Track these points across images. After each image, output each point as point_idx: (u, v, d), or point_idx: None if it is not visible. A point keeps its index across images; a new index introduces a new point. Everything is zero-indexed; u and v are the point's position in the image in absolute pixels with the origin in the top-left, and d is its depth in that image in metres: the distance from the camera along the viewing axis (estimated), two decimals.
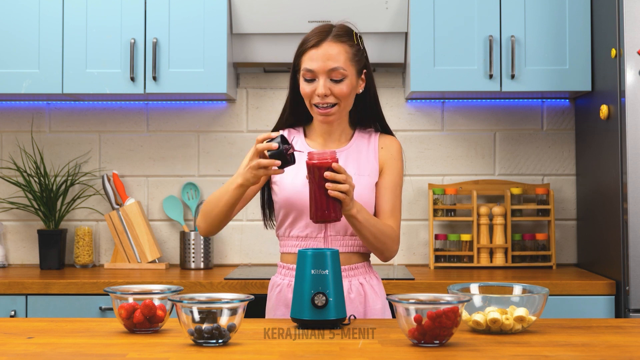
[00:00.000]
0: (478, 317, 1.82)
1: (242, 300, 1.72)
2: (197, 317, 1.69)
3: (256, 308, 2.26)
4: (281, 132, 2.09)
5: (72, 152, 3.60)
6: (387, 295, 2.28)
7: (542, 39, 3.22)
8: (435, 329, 1.67)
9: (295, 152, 2.04)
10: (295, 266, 2.16)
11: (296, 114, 2.31)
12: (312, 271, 1.88)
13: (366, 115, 2.32)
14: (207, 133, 3.60)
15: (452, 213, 3.49)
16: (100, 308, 2.98)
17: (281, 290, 2.24)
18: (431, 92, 3.30)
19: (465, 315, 1.85)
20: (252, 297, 1.76)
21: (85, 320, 2.04)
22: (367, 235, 2.14)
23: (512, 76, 3.20)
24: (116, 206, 3.47)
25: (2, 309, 2.99)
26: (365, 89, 2.27)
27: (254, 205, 2.64)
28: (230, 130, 3.60)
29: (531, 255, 3.43)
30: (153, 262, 3.46)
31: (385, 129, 2.34)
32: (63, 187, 3.49)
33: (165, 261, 3.55)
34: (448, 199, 3.49)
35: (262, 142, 2.02)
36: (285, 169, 2.07)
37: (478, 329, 1.84)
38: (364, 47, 2.25)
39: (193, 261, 3.42)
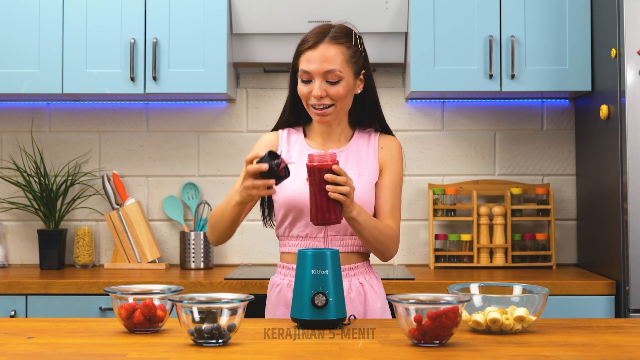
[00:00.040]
0: (478, 317, 1.82)
1: (242, 300, 1.72)
2: (197, 317, 1.69)
3: (256, 308, 2.26)
4: (268, 150, 2.05)
5: (72, 152, 3.60)
6: (387, 295, 2.29)
7: (542, 39, 3.22)
8: (435, 329, 1.67)
9: (288, 164, 2.01)
10: (295, 266, 2.16)
11: (296, 113, 2.31)
12: (312, 271, 1.88)
13: (366, 116, 2.32)
14: (207, 133, 3.60)
15: (452, 213, 3.49)
16: (100, 308, 2.98)
17: (281, 290, 2.24)
18: (431, 92, 3.30)
19: (465, 315, 1.85)
20: (252, 297, 1.76)
21: (85, 320, 2.04)
22: (367, 237, 2.15)
23: (512, 76, 3.20)
24: (116, 206, 3.47)
25: (2, 309, 2.99)
26: (365, 89, 2.27)
27: (254, 206, 2.64)
28: (230, 130, 3.60)
29: (531, 255, 3.43)
30: (153, 262, 3.46)
31: (385, 129, 2.34)
32: (63, 187, 3.48)
33: (165, 261, 3.55)
34: (448, 199, 3.49)
35: (251, 161, 2.00)
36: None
37: (478, 329, 1.84)
38: (363, 48, 2.25)
39: (193, 261, 3.42)
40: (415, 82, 3.23)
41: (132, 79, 3.24)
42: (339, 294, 1.89)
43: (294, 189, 2.20)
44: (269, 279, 2.36)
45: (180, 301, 1.70)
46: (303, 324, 1.89)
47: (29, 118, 3.60)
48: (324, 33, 2.19)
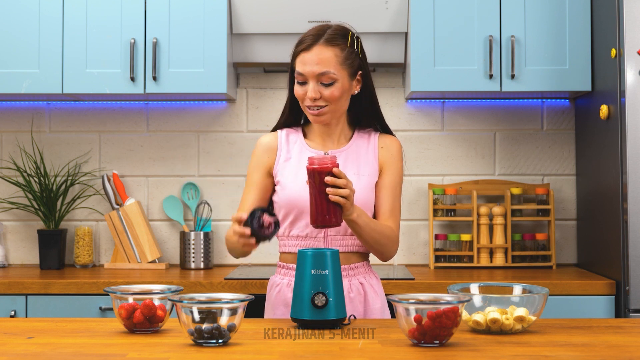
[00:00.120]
0: (478, 317, 1.82)
1: (242, 300, 1.72)
2: (197, 317, 1.69)
3: (256, 308, 2.26)
4: (252, 210, 2.06)
5: (72, 152, 3.60)
6: (387, 295, 2.29)
7: (542, 39, 3.22)
8: (435, 329, 1.67)
9: (272, 222, 2.01)
10: (294, 266, 2.16)
11: (296, 114, 2.32)
12: (312, 271, 1.88)
13: (365, 116, 2.32)
14: (207, 133, 3.60)
15: (452, 213, 3.49)
16: (100, 308, 2.98)
17: (281, 290, 2.24)
18: (431, 92, 3.29)
19: (465, 315, 1.85)
20: (252, 297, 1.76)
21: (85, 320, 2.04)
22: (367, 239, 2.15)
23: (512, 76, 3.20)
24: (116, 206, 3.47)
25: (2, 309, 2.99)
26: (362, 90, 2.27)
27: None
28: (230, 130, 3.60)
29: (531, 255, 3.43)
30: (153, 262, 3.46)
31: (385, 129, 2.33)
32: (63, 187, 3.48)
33: (165, 261, 3.55)
34: (448, 199, 3.49)
35: (237, 220, 2.01)
36: (285, 173, 2.18)
37: (478, 329, 1.84)
38: (360, 48, 2.24)
39: (193, 261, 3.42)
40: (415, 82, 3.23)
41: (132, 79, 3.24)
42: (339, 294, 1.89)
43: (295, 189, 2.20)
44: (268, 279, 2.36)
45: (180, 301, 1.70)
46: (303, 324, 1.89)
47: (29, 118, 3.60)
48: (319, 35, 2.19)
